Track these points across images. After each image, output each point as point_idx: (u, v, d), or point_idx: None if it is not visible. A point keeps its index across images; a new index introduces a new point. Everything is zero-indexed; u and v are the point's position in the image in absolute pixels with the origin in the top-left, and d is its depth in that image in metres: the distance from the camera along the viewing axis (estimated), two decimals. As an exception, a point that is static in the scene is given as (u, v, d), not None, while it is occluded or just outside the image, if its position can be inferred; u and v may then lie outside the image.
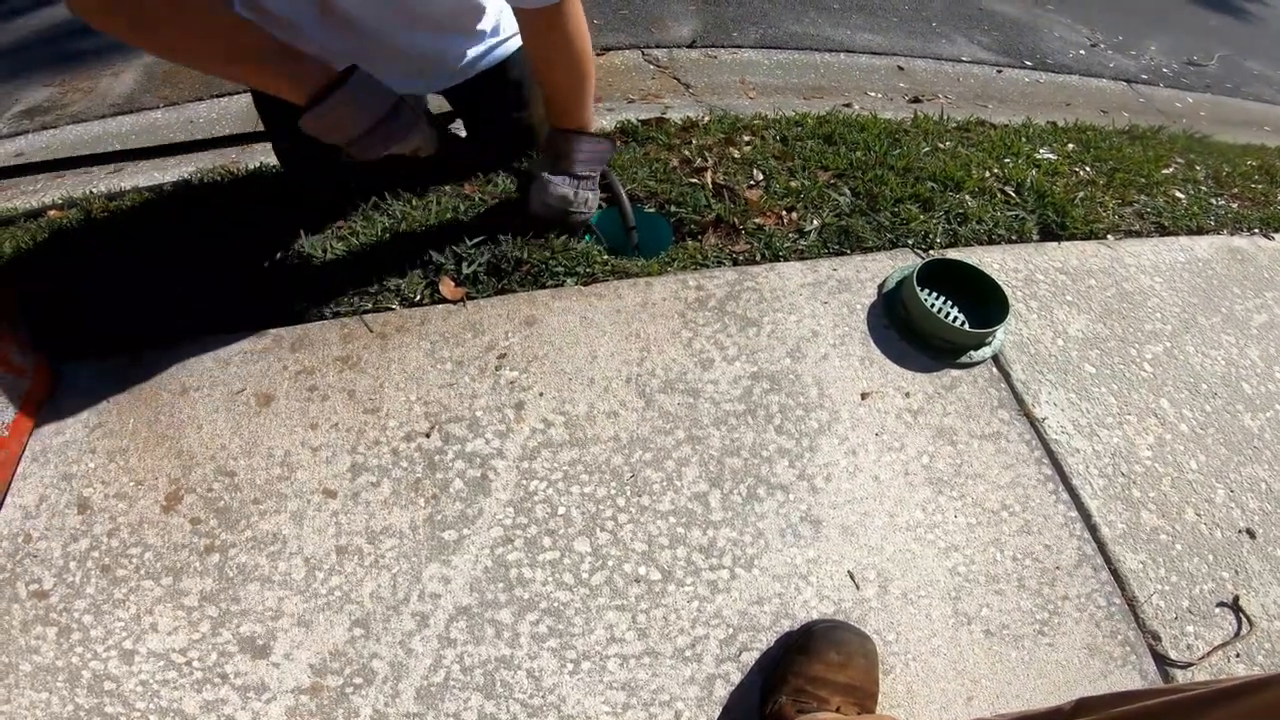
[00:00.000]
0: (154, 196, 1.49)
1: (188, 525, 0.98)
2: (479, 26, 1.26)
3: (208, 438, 1.05)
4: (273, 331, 1.16)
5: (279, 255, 1.27)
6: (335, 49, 1.06)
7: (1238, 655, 0.99)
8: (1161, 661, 0.97)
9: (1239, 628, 1.02)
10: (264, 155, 2.02)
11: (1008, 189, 1.60)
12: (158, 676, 0.87)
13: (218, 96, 2.49)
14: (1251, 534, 1.12)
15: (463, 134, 1.54)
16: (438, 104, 1.65)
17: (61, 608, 0.91)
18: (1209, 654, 0.98)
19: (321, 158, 1.24)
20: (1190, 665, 0.97)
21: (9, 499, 0.99)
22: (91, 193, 1.56)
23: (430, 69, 1.26)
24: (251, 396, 1.09)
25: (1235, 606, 1.04)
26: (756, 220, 1.41)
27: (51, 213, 1.50)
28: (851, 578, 0.99)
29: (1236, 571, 1.07)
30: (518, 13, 1.08)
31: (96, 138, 2.34)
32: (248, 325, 1.17)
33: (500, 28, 1.29)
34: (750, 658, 0.92)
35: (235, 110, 2.44)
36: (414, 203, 1.38)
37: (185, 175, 1.63)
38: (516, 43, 1.33)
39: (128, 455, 1.03)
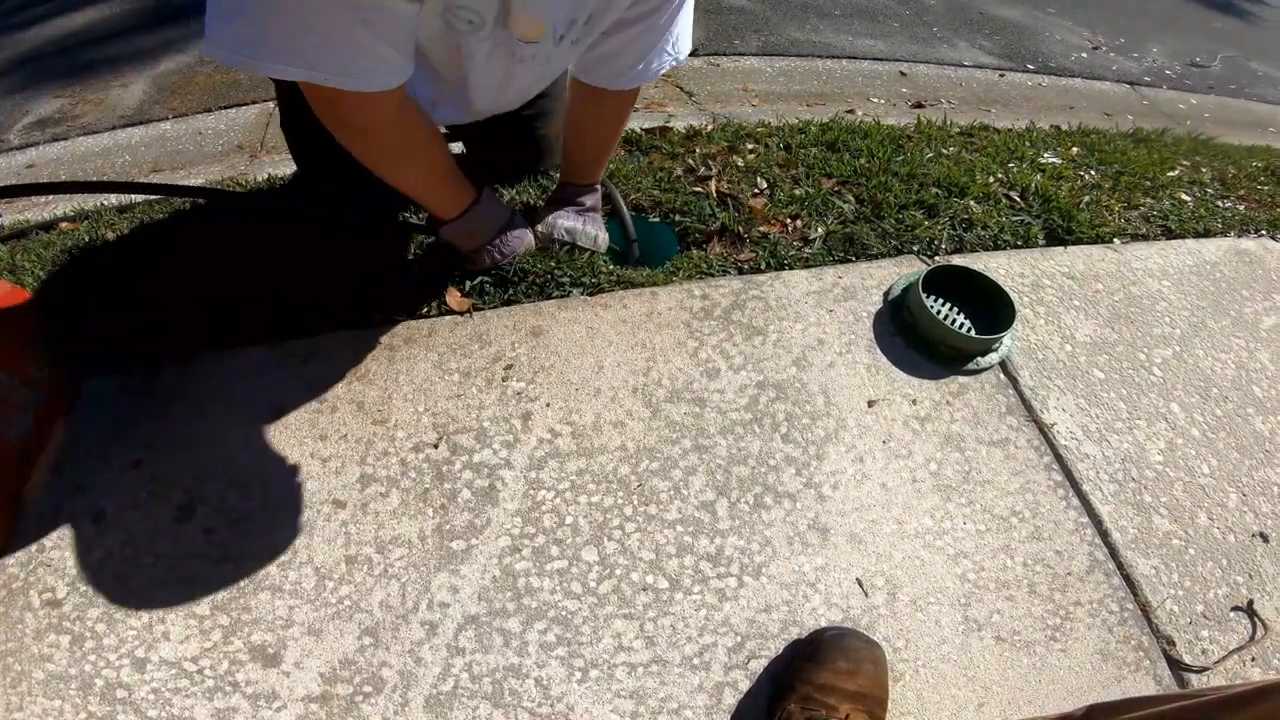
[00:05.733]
0: (164, 209, 1.51)
1: (200, 535, 0.98)
2: None
3: (220, 449, 1.06)
4: (283, 344, 1.17)
5: (287, 268, 1.28)
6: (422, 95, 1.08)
7: (1253, 659, 0.99)
8: (1176, 666, 0.97)
9: (1254, 632, 1.01)
10: (271, 167, 2.04)
11: (1012, 194, 1.60)
12: (170, 684, 0.88)
13: (225, 108, 2.51)
14: (1265, 538, 1.11)
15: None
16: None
17: (75, 616, 0.92)
18: (1224, 658, 0.98)
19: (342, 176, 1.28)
20: (1205, 670, 0.97)
21: (24, 508, 1.00)
22: (103, 205, 1.57)
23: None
24: (262, 409, 1.10)
25: (1250, 610, 1.03)
26: (761, 229, 1.41)
27: (63, 225, 1.51)
28: (860, 585, 0.99)
29: (1251, 575, 1.07)
30: (584, 85, 1.11)
31: (106, 149, 2.36)
32: (258, 338, 1.18)
33: None
34: (758, 666, 0.92)
35: (242, 121, 2.46)
36: (421, 215, 1.39)
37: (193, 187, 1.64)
38: None
39: (141, 466, 1.04)
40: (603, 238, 1.31)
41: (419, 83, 1.01)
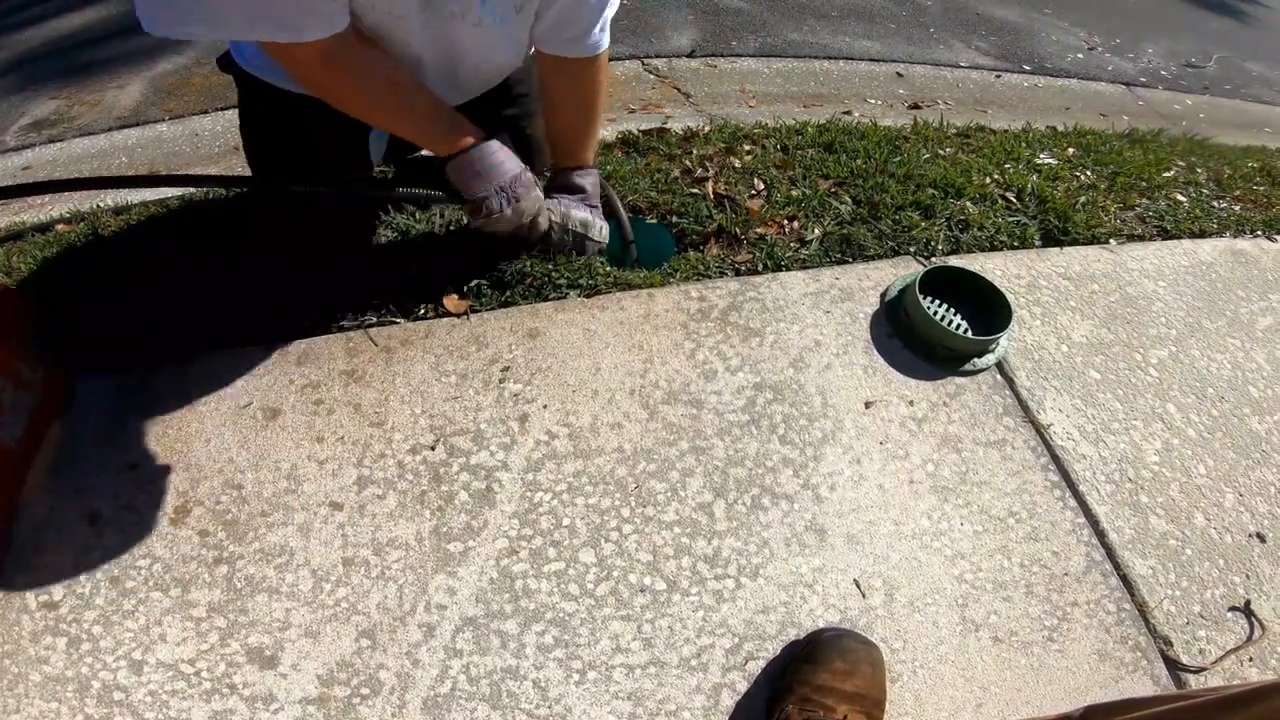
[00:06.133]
0: (160, 210, 1.50)
1: (196, 537, 0.98)
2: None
3: (216, 451, 1.06)
4: (279, 346, 1.17)
5: (283, 269, 1.28)
6: None
7: (1250, 659, 0.99)
8: (1173, 666, 0.97)
9: (1251, 632, 1.01)
10: (269, 168, 2.03)
11: (1009, 195, 1.60)
12: (166, 687, 0.87)
13: (221, 110, 2.50)
14: (1262, 538, 1.11)
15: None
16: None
17: (71, 619, 0.92)
18: (1221, 659, 0.98)
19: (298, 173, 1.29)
20: (1203, 670, 0.97)
21: (19, 511, 1.00)
22: (99, 206, 1.57)
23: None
24: (259, 410, 1.10)
25: (1247, 611, 1.03)
26: (758, 230, 1.41)
27: (59, 227, 1.51)
28: (857, 586, 0.99)
29: (1247, 575, 1.07)
30: (549, 59, 1.14)
31: (103, 150, 2.36)
32: (254, 340, 1.18)
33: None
34: (756, 667, 0.92)
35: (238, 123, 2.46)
36: (417, 215, 1.39)
37: (190, 189, 1.64)
38: None
39: (137, 469, 1.04)
40: (606, 229, 1.31)
41: None
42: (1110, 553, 1.06)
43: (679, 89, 2.67)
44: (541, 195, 1.16)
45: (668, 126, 1.81)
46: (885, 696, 0.88)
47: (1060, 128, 2.14)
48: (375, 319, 1.21)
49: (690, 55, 2.88)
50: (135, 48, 2.74)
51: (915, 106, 2.76)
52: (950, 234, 1.46)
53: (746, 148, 1.69)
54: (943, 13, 3.67)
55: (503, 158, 1.10)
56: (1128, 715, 0.65)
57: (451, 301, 1.23)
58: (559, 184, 1.29)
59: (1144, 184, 1.77)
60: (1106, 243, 1.54)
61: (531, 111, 1.39)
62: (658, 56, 2.84)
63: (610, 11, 1.11)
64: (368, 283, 1.25)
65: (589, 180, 1.29)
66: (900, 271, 1.36)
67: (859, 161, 1.64)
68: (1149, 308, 1.41)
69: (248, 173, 1.54)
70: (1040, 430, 1.17)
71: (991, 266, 1.40)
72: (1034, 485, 1.11)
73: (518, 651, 0.92)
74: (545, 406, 1.12)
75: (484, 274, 1.26)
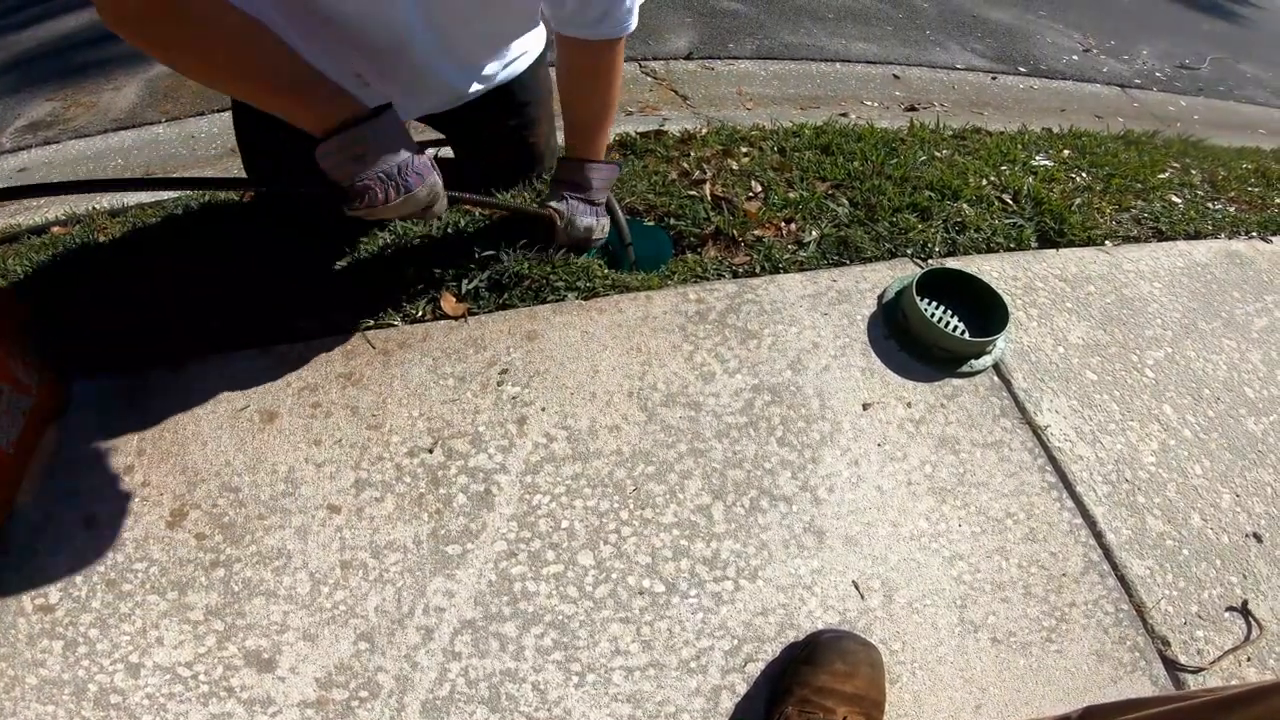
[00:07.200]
0: (156, 213, 1.50)
1: (193, 541, 0.98)
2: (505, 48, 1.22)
3: (212, 454, 1.05)
4: (276, 348, 1.17)
5: (280, 272, 1.27)
6: (332, 57, 0.97)
7: (1249, 659, 0.99)
8: (1172, 666, 0.97)
9: (1249, 632, 1.02)
10: (265, 171, 2.03)
11: (1005, 197, 1.61)
12: (164, 690, 0.87)
13: (217, 112, 2.50)
14: (1259, 538, 1.12)
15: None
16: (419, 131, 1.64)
17: (68, 621, 0.91)
18: (1220, 658, 0.98)
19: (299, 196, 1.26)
20: (1201, 670, 0.97)
21: (15, 514, 0.99)
22: (95, 209, 1.56)
23: (441, 89, 1.18)
24: (255, 413, 1.10)
25: (1244, 611, 1.03)
26: (756, 232, 1.42)
27: (55, 229, 1.50)
28: (856, 588, 0.99)
29: (1244, 576, 1.07)
30: (570, 42, 1.10)
31: (99, 153, 2.35)
32: (251, 342, 1.17)
33: (510, 46, 1.26)
34: (756, 669, 0.92)
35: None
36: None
37: (187, 191, 1.64)
38: (525, 63, 1.30)
39: (133, 472, 1.03)
40: (606, 227, 1.31)
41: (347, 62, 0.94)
42: (1108, 553, 1.06)
43: (676, 91, 2.67)
44: (440, 181, 0.96)
45: (665, 129, 1.81)
46: (885, 698, 0.88)
47: (1056, 129, 2.14)
48: (372, 321, 1.21)
49: (687, 58, 2.88)
50: (131, 49, 2.73)
51: (912, 108, 2.77)
52: (947, 236, 1.46)
53: (744, 150, 1.69)
54: (938, 15, 3.68)
55: (391, 136, 0.89)
56: (1126, 716, 0.65)
57: (449, 304, 1.23)
58: (567, 177, 1.25)
59: (1139, 186, 1.78)
60: (1102, 244, 1.55)
61: (535, 120, 1.38)
62: (655, 59, 2.84)
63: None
64: (365, 285, 1.25)
65: (598, 176, 1.25)
66: (897, 273, 1.37)
67: (856, 163, 1.64)
68: (1145, 309, 1.42)
69: (244, 174, 1.54)
70: (1037, 431, 1.17)
71: (988, 268, 1.41)
72: (1031, 486, 1.11)
73: (517, 654, 0.91)
74: (543, 409, 1.12)
75: (482, 276, 1.26)
